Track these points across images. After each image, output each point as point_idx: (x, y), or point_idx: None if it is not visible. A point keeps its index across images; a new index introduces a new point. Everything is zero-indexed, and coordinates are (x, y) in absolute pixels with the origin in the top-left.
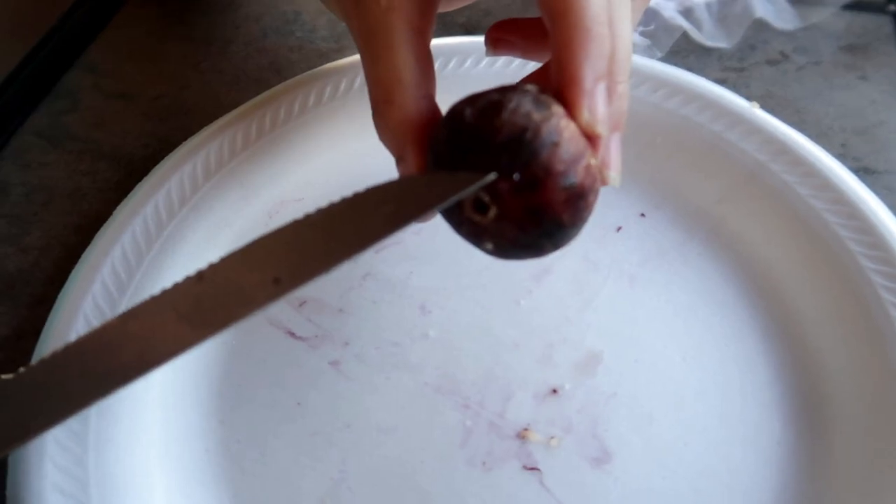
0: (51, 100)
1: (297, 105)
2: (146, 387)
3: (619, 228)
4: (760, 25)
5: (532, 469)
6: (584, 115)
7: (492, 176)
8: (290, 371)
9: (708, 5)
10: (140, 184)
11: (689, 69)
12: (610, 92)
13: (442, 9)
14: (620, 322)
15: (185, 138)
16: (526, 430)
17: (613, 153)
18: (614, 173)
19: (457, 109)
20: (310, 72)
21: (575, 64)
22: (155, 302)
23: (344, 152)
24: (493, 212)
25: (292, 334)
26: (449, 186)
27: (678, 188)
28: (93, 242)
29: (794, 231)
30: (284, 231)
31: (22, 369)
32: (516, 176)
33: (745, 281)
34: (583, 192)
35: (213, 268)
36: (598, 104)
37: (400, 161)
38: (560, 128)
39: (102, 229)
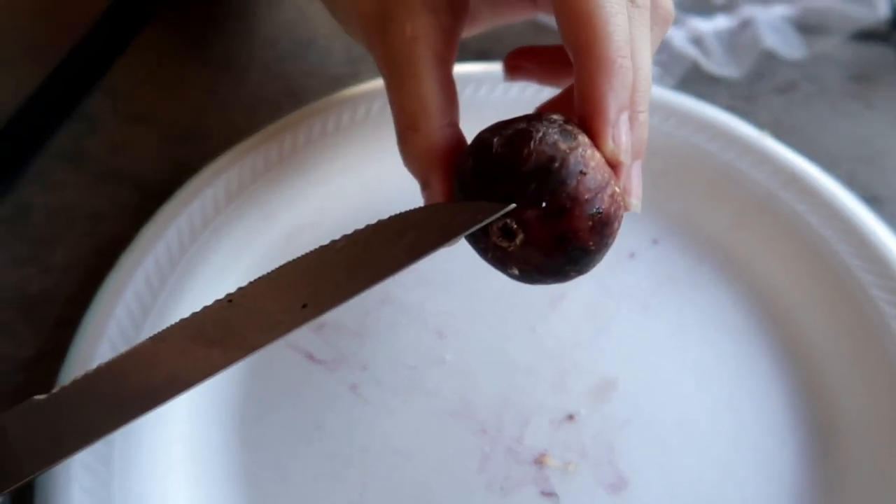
0: (71, 123)
1: (315, 130)
2: (169, 409)
3: (632, 255)
4: (769, 54)
5: (549, 495)
6: (609, 145)
7: (512, 206)
8: (309, 394)
9: (717, 35)
10: (162, 207)
11: (699, 97)
12: (632, 121)
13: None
14: (634, 348)
15: (202, 162)
16: (543, 455)
17: (635, 180)
18: (635, 200)
19: (483, 138)
20: (327, 98)
21: (599, 95)
22: (185, 325)
23: (361, 177)
24: (519, 238)
25: (311, 357)
26: (471, 215)
27: (690, 215)
28: (116, 264)
29: (805, 259)
30: (311, 257)
31: (55, 391)
32: (544, 204)
33: (757, 308)
34: (608, 220)
35: (241, 292)
36: (621, 134)
37: (425, 188)
38: (586, 157)
39: (126, 252)
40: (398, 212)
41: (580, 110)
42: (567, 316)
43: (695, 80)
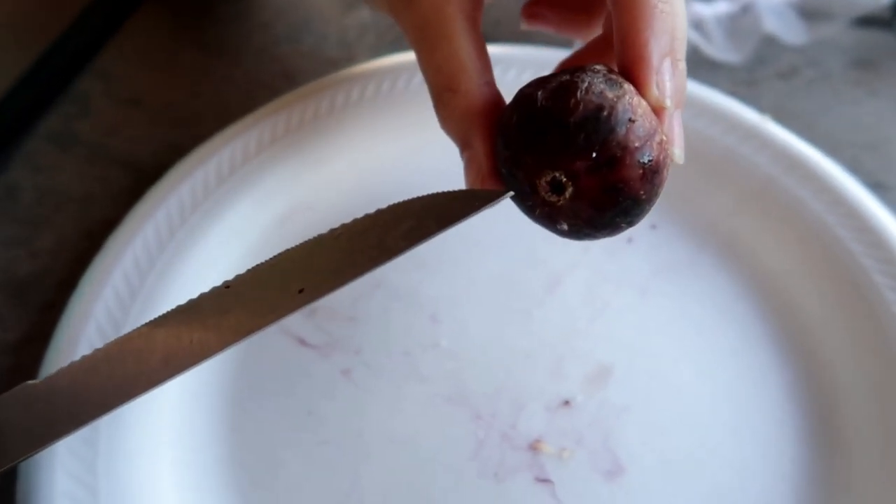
0: (62, 105)
1: (308, 113)
2: (157, 395)
3: (630, 240)
4: (770, 40)
5: (544, 481)
6: (654, 92)
7: (510, 192)
8: (301, 379)
9: (718, 19)
10: (151, 189)
11: (700, 83)
12: (673, 68)
13: None
14: (632, 334)
15: (196, 145)
16: (538, 441)
17: (676, 129)
18: (678, 150)
19: (527, 93)
20: (321, 80)
21: (642, 41)
22: (181, 310)
23: (355, 160)
24: (569, 191)
25: (303, 342)
26: (469, 203)
27: (690, 200)
28: (104, 248)
29: (807, 245)
30: (308, 244)
31: (48, 375)
32: (594, 154)
33: (757, 294)
34: (658, 168)
35: (239, 278)
36: (665, 80)
37: (466, 148)
38: (634, 105)
39: (113, 235)
40: (394, 195)
41: (622, 58)
42: (564, 301)
43: (696, 65)
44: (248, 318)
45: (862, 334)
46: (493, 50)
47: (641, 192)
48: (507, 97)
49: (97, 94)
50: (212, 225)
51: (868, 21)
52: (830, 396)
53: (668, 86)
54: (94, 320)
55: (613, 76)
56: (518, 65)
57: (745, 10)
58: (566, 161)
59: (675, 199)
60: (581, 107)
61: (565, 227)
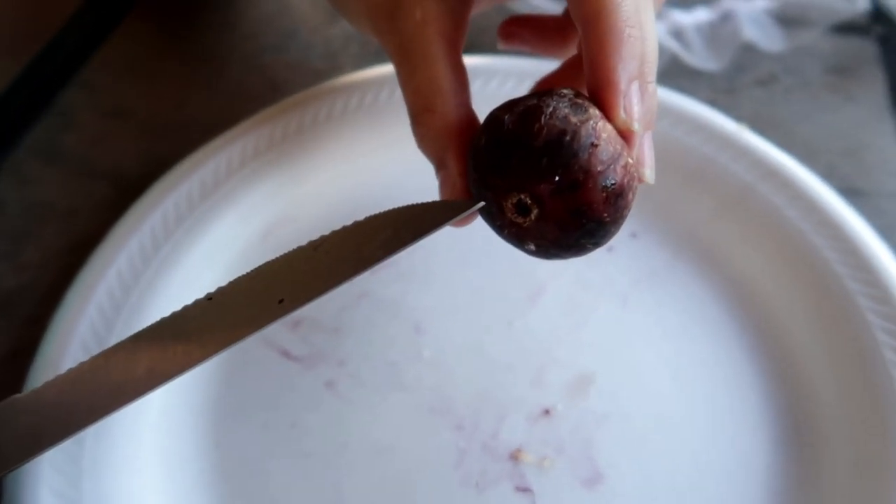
0: (47, 117)
1: (292, 126)
2: (142, 409)
3: (610, 248)
4: (749, 47)
5: (525, 490)
6: (621, 115)
7: (481, 203)
8: (285, 392)
9: (698, 27)
10: (136, 203)
11: (680, 90)
12: (642, 91)
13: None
14: (612, 343)
15: (182, 157)
16: (519, 450)
17: (647, 151)
18: (649, 170)
19: (496, 116)
20: (305, 91)
21: (610, 66)
22: (164, 322)
23: (339, 172)
24: (534, 213)
25: (287, 354)
26: (443, 213)
27: (669, 209)
28: (88, 262)
29: (783, 252)
30: (289, 256)
31: (35, 388)
32: (557, 178)
33: (735, 301)
34: (622, 191)
35: (221, 290)
36: (633, 104)
37: (441, 168)
38: (598, 129)
39: (98, 249)
40: (377, 206)
41: (590, 81)
42: (546, 310)
43: (676, 73)
44: (231, 329)
45: (836, 339)
46: (476, 60)
47: (605, 215)
48: (490, 107)
49: (82, 107)
50: (196, 239)
51: (845, 28)
52: (805, 402)
53: (635, 109)
54: (79, 335)
55: (579, 101)
56: (501, 75)
57: (724, 19)
58: (531, 184)
59: (654, 208)
60: (545, 131)
61: (532, 247)
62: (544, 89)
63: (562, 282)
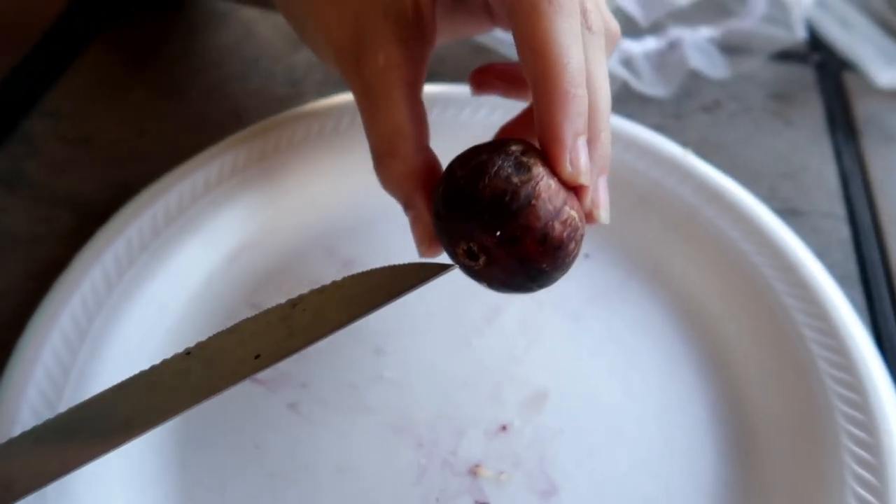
0: (9, 145)
1: (255, 151)
2: None
3: None
4: (695, 74)
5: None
6: (567, 170)
7: (454, 267)
8: (248, 414)
9: (646, 56)
10: (100, 230)
11: (631, 116)
12: (593, 140)
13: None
14: (566, 359)
15: (145, 185)
16: (477, 466)
17: (602, 195)
18: (604, 212)
19: (452, 168)
20: (268, 120)
21: (555, 124)
22: (143, 375)
23: (303, 198)
24: (482, 259)
25: (252, 377)
26: (417, 275)
27: (620, 230)
28: (52, 289)
29: (726, 271)
30: (268, 314)
31: (7, 440)
32: (498, 233)
33: (682, 319)
34: (560, 244)
35: (199, 345)
36: (579, 158)
37: (409, 207)
38: (538, 189)
39: (62, 276)
40: (341, 232)
41: (540, 137)
42: (502, 330)
43: (627, 100)
44: (208, 382)
45: (775, 352)
46: (436, 89)
47: (545, 265)
48: (448, 136)
49: (45, 134)
50: (160, 266)
51: (785, 56)
52: (748, 411)
53: (582, 163)
54: (42, 363)
55: (525, 158)
56: (458, 104)
57: (672, 47)
58: (478, 235)
59: (606, 229)
60: (488, 190)
61: (485, 284)
62: (498, 141)
63: (517, 302)
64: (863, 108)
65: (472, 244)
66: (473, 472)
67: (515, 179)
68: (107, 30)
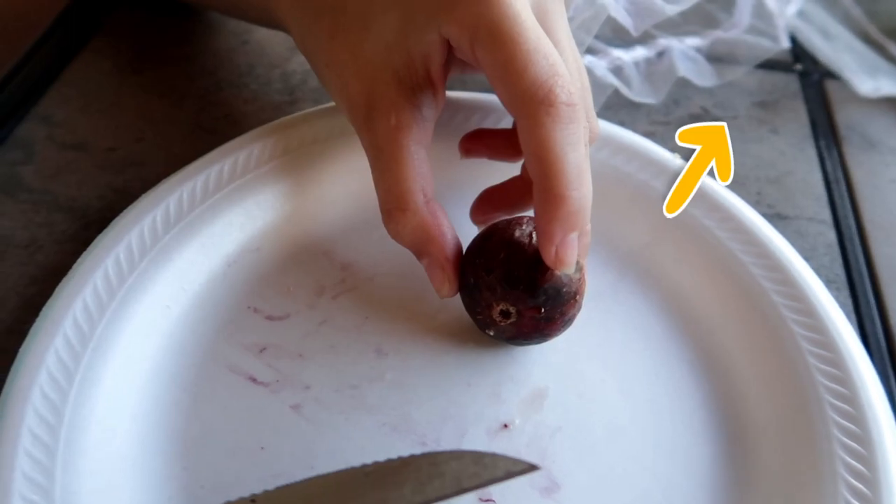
0: (5, 151)
1: (253, 157)
2: (111, 436)
3: None
4: (684, 83)
5: (487, 501)
6: (551, 258)
7: (538, 468)
8: (252, 416)
9: (636, 64)
10: (101, 235)
11: (621, 123)
12: (581, 236)
13: None
14: (562, 359)
15: (141, 189)
16: None
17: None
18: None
19: (518, 239)
20: (265, 126)
21: (546, 223)
22: None
23: (299, 203)
24: (511, 320)
25: (254, 380)
26: (501, 471)
27: (611, 233)
28: (54, 294)
29: (715, 271)
30: (339, 476)
31: None
32: (542, 310)
33: (674, 317)
34: (572, 321)
35: (266, 495)
36: (565, 252)
37: (423, 256)
38: (582, 287)
39: (64, 281)
40: (337, 237)
41: (537, 226)
42: None
43: (618, 107)
44: None
45: (765, 349)
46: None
47: (554, 334)
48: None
49: (41, 140)
50: (161, 270)
51: (770, 65)
52: (739, 407)
53: (568, 256)
54: (46, 368)
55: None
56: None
57: (661, 56)
58: (522, 305)
59: (599, 233)
60: (554, 279)
61: (492, 333)
62: None
63: None
64: (845, 116)
65: (511, 308)
66: None
67: (575, 276)
68: (100, 35)
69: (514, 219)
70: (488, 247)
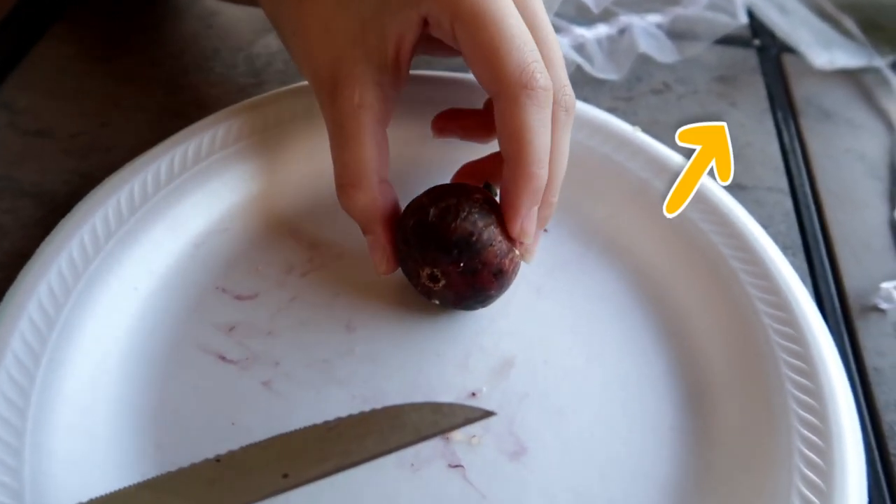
0: None
1: (218, 139)
2: (82, 415)
3: None
4: (645, 59)
5: (456, 466)
6: (515, 231)
7: (494, 414)
8: (223, 393)
9: (598, 41)
10: (64, 219)
11: (585, 99)
12: (543, 206)
13: None
14: (530, 328)
15: (108, 174)
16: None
17: (535, 246)
18: (529, 257)
19: (423, 205)
20: (231, 107)
21: (516, 196)
22: (170, 477)
23: (265, 183)
24: (441, 283)
25: (223, 358)
26: (456, 417)
27: (576, 205)
28: (17, 279)
29: (675, 239)
30: (302, 432)
31: None
32: (462, 265)
33: (638, 286)
34: (506, 274)
35: (230, 454)
36: (528, 225)
37: (368, 232)
38: (496, 234)
39: (27, 266)
40: (303, 216)
41: (502, 200)
42: None
43: (582, 83)
44: (232, 495)
45: (723, 314)
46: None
47: (492, 290)
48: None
49: (3, 127)
50: (126, 252)
51: (729, 40)
52: (701, 372)
53: (529, 229)
54: (12, 352)
55: (487, 207)
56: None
57: (622, 33)
58: (443, 264)
59: (564, 205)
60: (458, 230)
61: (437, 302)
62: (462, 187)
63: None
64: (802, 89)
65: (435, 270)
66: (446, 437)
67: (480, 224)
68: (63, 21)
69: (422, 193)
70: (403, 221)
